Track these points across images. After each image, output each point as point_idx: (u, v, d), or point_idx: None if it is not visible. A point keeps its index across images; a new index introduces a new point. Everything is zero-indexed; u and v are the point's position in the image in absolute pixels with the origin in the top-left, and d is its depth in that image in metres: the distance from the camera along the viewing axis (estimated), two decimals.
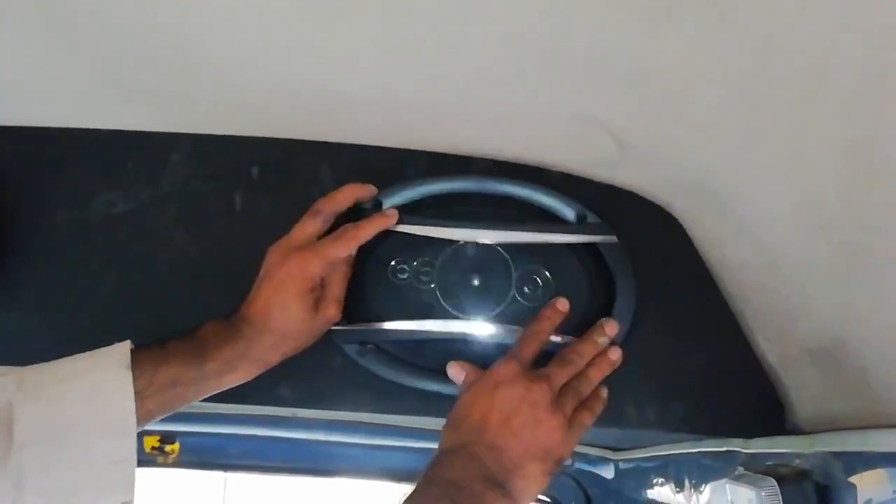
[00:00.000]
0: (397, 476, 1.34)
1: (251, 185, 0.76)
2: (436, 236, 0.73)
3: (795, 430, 0.69)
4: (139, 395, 0.54)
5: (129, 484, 0.52)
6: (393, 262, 0.75)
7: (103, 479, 0.51)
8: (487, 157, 0.77)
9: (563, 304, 0.70)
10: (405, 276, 0.75)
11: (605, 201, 0.75)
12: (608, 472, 1.21)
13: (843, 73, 0.42)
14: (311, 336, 0.66)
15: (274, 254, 0.66)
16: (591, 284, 0.74)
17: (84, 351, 0.70)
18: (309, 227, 0.67)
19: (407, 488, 1.36)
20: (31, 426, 0.50)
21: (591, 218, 0.74)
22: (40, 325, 0.72)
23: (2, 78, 0.66)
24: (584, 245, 0.74)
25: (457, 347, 0.72)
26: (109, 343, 0.71)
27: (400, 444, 1.29)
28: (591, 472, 1.27)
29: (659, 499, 0.96)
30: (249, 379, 0.63)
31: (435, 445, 1.33)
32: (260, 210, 0.75)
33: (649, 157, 0.66)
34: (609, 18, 0.48)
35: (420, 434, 1.26)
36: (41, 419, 0.50)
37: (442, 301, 0.73)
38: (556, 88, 0.60)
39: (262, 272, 0.66)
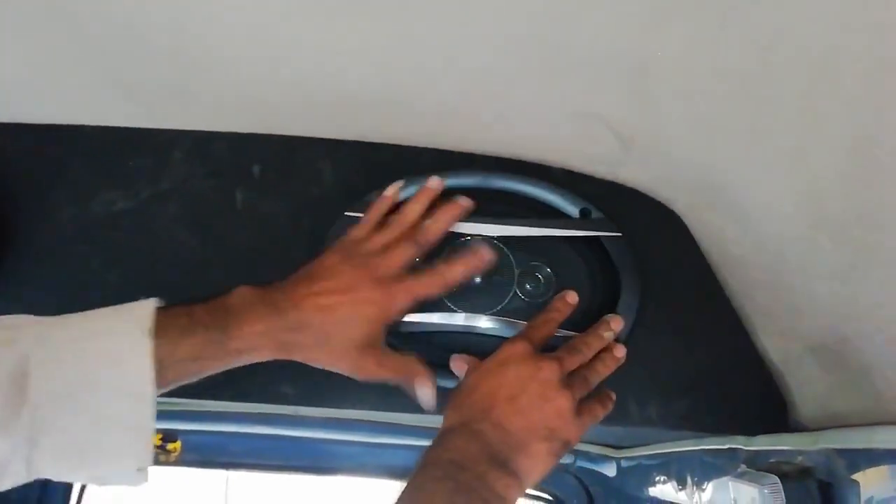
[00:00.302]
0: (399, 474, 1.34)
1: (253, 183, 0.76)
2: None
3: (798, 428, 0.69)
4: (159, 365, 0.51)
5: (145, 451, 0.51)
6: None
7: (118, 443, 0.50)
8: (490, 154, 0.77)
9: (572, 297, 0.69)
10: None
11: (606, 198, 0.75)
12: (610, 470, 1.20)
13: (846, 69, 0.42)
14: (338, 362, 0.60)
15: (360, 271, 0.61)
16: (593, 280, 0.74)
17: None
18: (408, 253, 0.64)
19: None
20: (47, 383, 0.49)
21: (595, 214, 0.74)
22: None
23: (3, 75, 0.66)
24: (587, 241, 0.74)
25: (459, 342, 0.72)
26: None
27: (402, 442, 1.29)
28: (592, 470, 1.27)
29: (661, 496, 0.96)
30: (266, 360, 0.59)
31: None
32: (261, 208, 0.75)
33: (651, 153, 0.66)
34: (611, 15, 0.48)
35: (422, 432, 1.26)
36: (58, 377, 0.49)
37: (444, 297, 0.73)
38: (558, 85, 0.59)
39: (342, 276, 0.61)
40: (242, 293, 0.59)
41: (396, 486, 1.35)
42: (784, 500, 0.56)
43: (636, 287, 0.72)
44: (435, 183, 0.70)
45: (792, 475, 0.59)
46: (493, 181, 0.75)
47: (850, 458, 0.54)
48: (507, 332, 0.71)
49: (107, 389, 0.50)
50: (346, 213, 0.73)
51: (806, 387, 0.66)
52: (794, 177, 0.53)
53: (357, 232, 0.66)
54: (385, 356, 0.61)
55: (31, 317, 0.53)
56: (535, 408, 0.59)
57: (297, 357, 0.59)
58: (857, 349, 0.56)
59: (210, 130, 0.76)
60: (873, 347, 0.54)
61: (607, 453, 1.19)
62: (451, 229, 0.73)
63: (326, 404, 0.72)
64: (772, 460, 0.64)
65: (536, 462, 0.58)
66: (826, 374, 0.61)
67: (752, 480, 0.59)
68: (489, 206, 0.75)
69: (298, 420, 1.22)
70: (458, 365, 0.67)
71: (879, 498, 0.51)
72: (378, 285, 0.60)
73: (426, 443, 1.26)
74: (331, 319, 0.58)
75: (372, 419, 1.24)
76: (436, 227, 0.66)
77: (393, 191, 0.70)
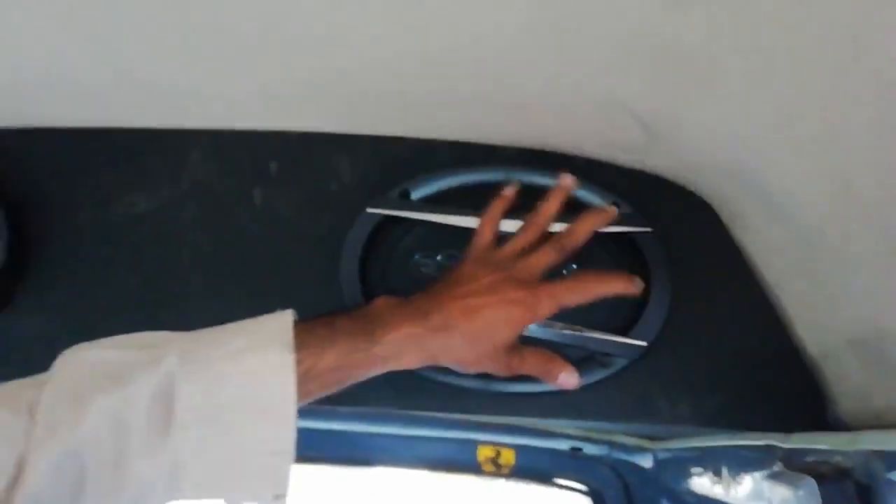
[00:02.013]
0: (432, 465, 1.34)
1: (270, 180, 0.75)
2: (462, 226, 0.72)
3: (837, 424, 0.66)
4: (302, 379, 0.50)
5: (284, 477, 0.49)
6: (417, 255, 0.74)
7: (259, 470, 0.49)
8: (510, 145, 0.75)
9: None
10: (429, 269, 0.74)
11: (632, 187, 0.73)
12: (646, 462, 1.19)
13: (877, 47, 0.39)
14: (484, 364, 0.59)
15: (501, 273, 0.59)
16: None
17: None
18: (550, 257, 0.62)
19: (441, 477, 1.35)
20: (192, 405, 0.47)
21: (625, 208, 0.72)
22: (64, 325, 0.73)
23: (23, 79, 0.67)
24: (615, 236, 0.72)
25: None
26: None
27: (435, 434, 1.29)
28: (628, 462, 1.25)
29: (698, 489, 0.94)
30: (411, 368, 0.57)
31: (469, 435, 1.32)
32: (280, 205, 0.75)
33: (677, 140, 0.64)
34: None
35: (455, 424, 1.26)
36: (202, 399, 0.48)
37: None
38: (578, 70, 0.57)
39: (484, 279, 0.59)
40: (383, 301, 0.58)
41: (430, 478, 1.36)
42: (820, 503, 0.54)
43: (667, 283, 0.70)
44: (568, 181, 0.67)
45: (829, 476, 0.56)
46: (518, 176, 0.73)
47: (890, 459, 0.51)
48: (534, 331, 0.69)
49: (250, 411, 0.48)
50: (367, 210, 0.73)
51: (844, 382, 0.63)
52: (825, 161, 0.50)
53: (483, 239, 0.65)
54: (528, 352, 0.60)
55: (170, 333, 0.52)
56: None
57: (444, 361, 0.57)
58: None
59: (226, 129, 0.75)
60: None
61: (643, 444, 1.17)
62: (474, 226, 0.71)
63: (358, 403, 0.71)
64: (808, 459, 0.61)
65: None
66: (865, 368, 0.58)
67: (788, 482, 0.57)
68: (514, 201, 0.73)
69: (332, 413, 1.22)
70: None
71: None
72: (522, 287, 0.59)
73: (460, 434, 1.27)
74: (478, 323, 0.57)
75: (405, 412, 1.24)
76: (581, 233, 0.64)
77: (511, 191, 0.68)
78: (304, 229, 0.74)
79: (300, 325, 0.52)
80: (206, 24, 0.55)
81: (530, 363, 0.60)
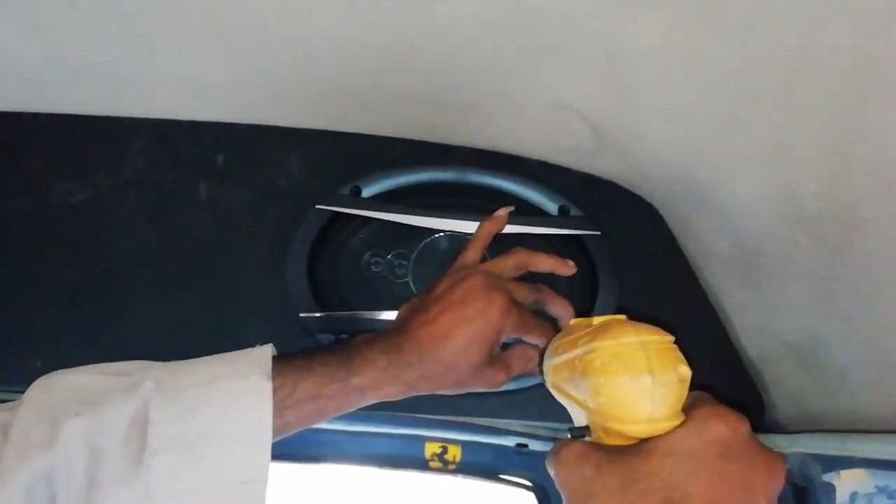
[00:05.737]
0: (380, 461, 1.33)
1: (216, 174, 0.73)
2: (414, 225, 0.71)
3: (774, 427, 0.67)
4: (278, 407, 0.50)
5: None
6: (367, 254, 0.73)
7: (232, 500, 0.48)
8: (465, 145, 0.74)
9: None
10: (379, 268, 0.73)
11: (583, 190, 0.73)
12: None
13: (827, 62, 0.40)
14: (468, 385, 0.59)
15: (475, 279, 0.59)
16: (570, 278, 0.72)
17: (38, 347, 0.68)
18: (527, 297, 0.61)
19: (388, 473, 1.34)
20: (166, 432, 0.47)
21: (575, 211, 0.72)
22: None
23: None
24: (565, 239, 0.72)
25: None
26: (68, 336, 0.69)
27: (382, 431, 1.28)
28: None
29: None
30: (390, 399, 0.57)
31: (416, 431, 1.31)
32: (225, 200, 0.73)
33: (627, 146, 0.64)
34: (587, 1, 0.46)
35: (401, 420, 1.25)
36: (176, 425, 0.48)
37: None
38: (531, 74, 0.57)
39: (455, 294, 0.58)
40: (362, 337, 0.58)
41: (378, 474, 1.35)
42: None
43: (614, 286, 0.71)
44: (570, 265, 0.65)
45: None
46: (470, 176, 0.73)
47: (825, 461, 0.53)
48: None
49: (224, 438, 0.48)
50: (317, 207, 0.71)
51: (782, 386, 0.65)
52: (771, 172, 0.51)
53: (467, 257, 0.64)
54: (509, 358, 0.61)
55: (147, 362, 0.53)
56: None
57: (425, 391, 0.58)
58: (834, 350, 0.54)
59: (171, 118, 0.73)
60: (850, 349, 0.52)
61: None
62: (426, 225, 0.71)
63: None
64: None
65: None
66: (802, 373, 0.60)
67: None
68: (466, 201, 0.73)
69: None
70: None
71: (863, 493, 0.50)
72: (485, 293, 0.58)
73: (407, 430, 1.26)
74: (448, 350, 0.56)
75: None
76: (544, 261, 0.64)
77: (504, 213, 0.68)
78: (251, 225, 0.72)
79: (278, 356, 0.53)
80: (147, 4, 0.53)
81: (517, 366, 0.61)
